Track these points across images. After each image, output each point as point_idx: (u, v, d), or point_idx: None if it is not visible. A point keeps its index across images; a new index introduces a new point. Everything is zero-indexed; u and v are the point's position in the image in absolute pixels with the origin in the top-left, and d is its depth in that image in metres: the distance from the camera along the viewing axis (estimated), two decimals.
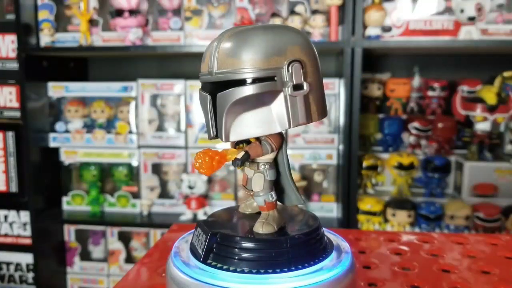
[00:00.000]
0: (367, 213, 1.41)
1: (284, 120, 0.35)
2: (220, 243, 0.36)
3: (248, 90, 0.34)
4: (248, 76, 0.34)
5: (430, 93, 1.55)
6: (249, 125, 0.35)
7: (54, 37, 1.48)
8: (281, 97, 0.34)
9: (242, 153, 0.36)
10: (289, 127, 0.35)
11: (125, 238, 1.62)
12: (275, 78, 0.34)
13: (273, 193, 0.38)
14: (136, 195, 1.57)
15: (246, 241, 0.35)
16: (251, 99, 0.34)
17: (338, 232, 0.42)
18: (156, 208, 1.56)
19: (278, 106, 0.34)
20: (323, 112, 0.37)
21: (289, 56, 0.34)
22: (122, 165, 1.57)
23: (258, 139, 0.37)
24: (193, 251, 0.38)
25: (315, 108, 0.35)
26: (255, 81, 0.34)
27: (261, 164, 0.38)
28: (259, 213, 0.39)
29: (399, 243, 0.60)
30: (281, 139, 0.37)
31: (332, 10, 1.35)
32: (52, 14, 1.49)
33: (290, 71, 0.34)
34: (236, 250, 0.35)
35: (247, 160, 0.37)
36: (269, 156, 0.38)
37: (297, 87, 0.34)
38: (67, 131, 1.56)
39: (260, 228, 0.37)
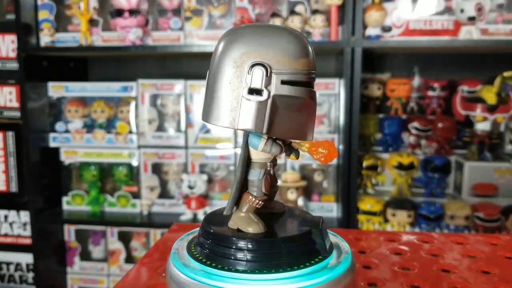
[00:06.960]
0: (367, 213, 1.41)
1: None
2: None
3: None
4: None
5: (430, 93, 1.55)
6: None
7: (54, 37, 1.48)
8: None
9: None
10: None
11: (125, 238, 1.62)
12: None
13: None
14: (136, 195, 1.57)
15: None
16: None
17: (338, 232, 0.42)
18: (156, 208, 1.56)
19: None
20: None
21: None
22: (122, 165, 1.57)
23: None
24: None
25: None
26: None
27: None
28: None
29: (399, 243, 0.60)
30: None
31: (332, 10, 1.35)
32: (52, 14, 1.49)
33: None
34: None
35: None
36: None
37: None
38: (67, 131, 1.56)
39: None
